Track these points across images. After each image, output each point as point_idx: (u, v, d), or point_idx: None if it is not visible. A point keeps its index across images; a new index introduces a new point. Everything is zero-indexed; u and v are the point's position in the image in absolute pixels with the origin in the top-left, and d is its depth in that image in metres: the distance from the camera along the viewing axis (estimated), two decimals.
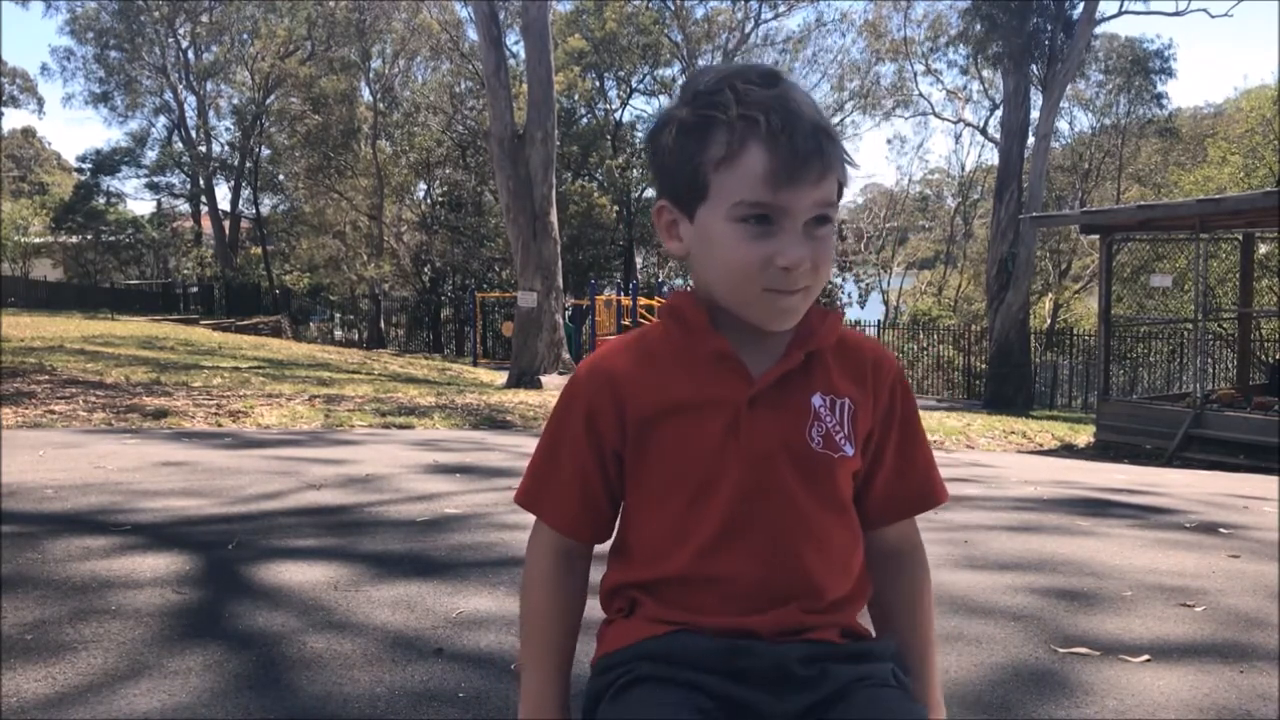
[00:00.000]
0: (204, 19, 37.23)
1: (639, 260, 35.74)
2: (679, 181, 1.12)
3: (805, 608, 1.12)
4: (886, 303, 37.30)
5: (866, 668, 1.12)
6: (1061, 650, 2.54)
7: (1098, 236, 12.85)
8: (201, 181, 39.01)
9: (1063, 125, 31.92)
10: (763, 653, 1.09)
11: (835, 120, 24.21)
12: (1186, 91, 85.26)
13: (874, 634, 1.23)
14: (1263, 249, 17.89)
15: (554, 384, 15.00)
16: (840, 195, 1.12)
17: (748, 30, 33.18)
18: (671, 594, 1.13)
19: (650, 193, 34.78)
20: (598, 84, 34.26)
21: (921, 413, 1.31)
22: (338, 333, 38.39)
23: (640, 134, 35.50)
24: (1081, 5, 20.39)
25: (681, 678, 1.08)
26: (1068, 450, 10.94)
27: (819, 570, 1.13)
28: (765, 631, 1.10)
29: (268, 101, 36.55)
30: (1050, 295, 32.02)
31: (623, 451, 1.16)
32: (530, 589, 1.20)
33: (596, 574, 1.24)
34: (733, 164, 1.07)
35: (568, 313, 21.49)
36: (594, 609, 1.23)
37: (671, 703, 1.05)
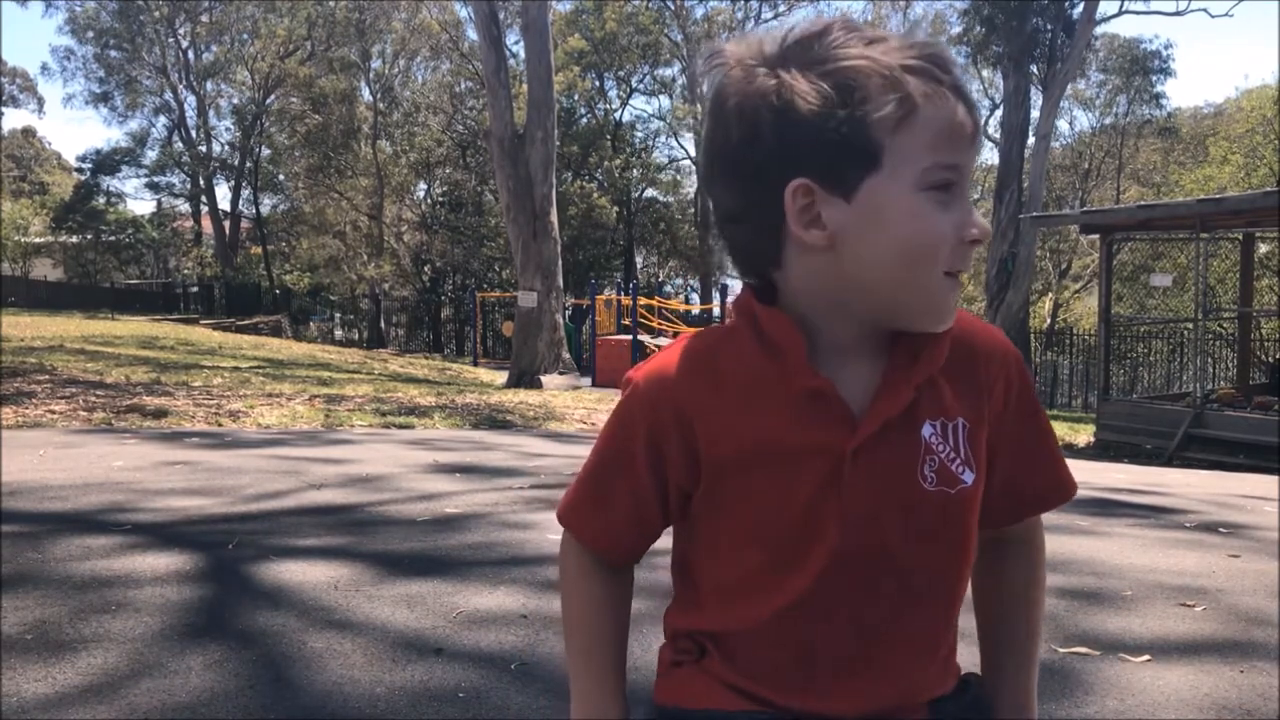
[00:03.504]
0: (204, 19, 37.22)
1: (639, 260, 35.74)
2: (835, 152, 0.91)
3: (899, 689, 0.99)
4: None
5: None
6: (1062, 650, 2.54)
7: (1098, 236, 12.85)
8: (201, 181, 38.99)
9: (1063, 125, 32.00)
10: None
11: None
12: (1186, 91, 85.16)
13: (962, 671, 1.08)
14: (1263, 249, 17.89)
15: (554, 384, 15.00)
16: None
17: (748, 30, 33.20)
18: (743, 651, 1.00)
19: (650, 192, 34.82)
20: (598, 84, 34.27)
21: None
22: (338, 333, 38.38)
23: (640, 134, 35.55)
24: (1081, 5, 20.40)
25: None
26: (1068, 450, 10.95)
27: (924, 634, 1.00)
28: (850, 714, 0.98)
29: (268, 101, 36.54)
30: (1050, 295, 32.03)
31: (690, 489, 1.01)
32: (572, 602, 1.09)
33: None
34: (916, 122, 0.90)
35: (568, 312, 21.49)
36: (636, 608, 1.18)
37: None
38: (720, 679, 1.00)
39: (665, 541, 1.08)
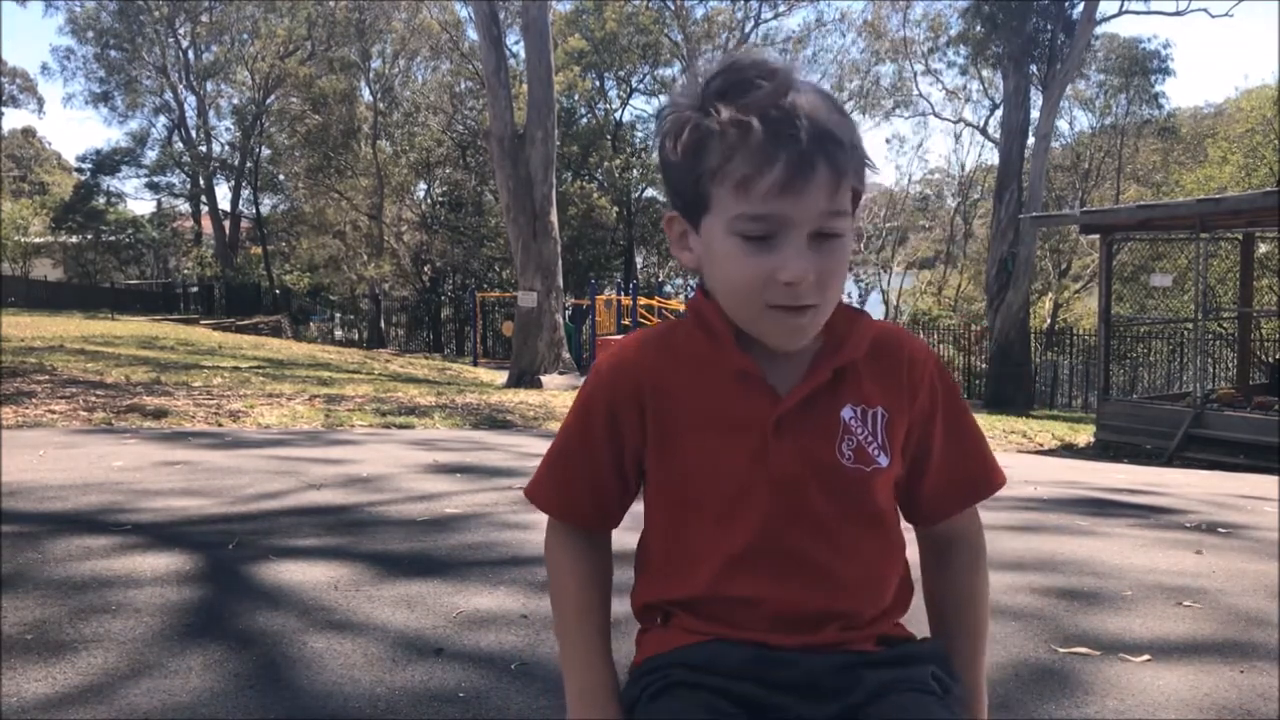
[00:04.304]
0: (204, 19, 37.19)
1: (639, 260, 35.71)
2: (683, 193, 1.07)
3: (841, 627, 1.11)
4: (886, 302, 37.30)
5: (902, 672, 1.10)
6: (1062, 650, 2.54)
7: (1098, 236, 12.85)
8: (201, 181, 38.95)
9: (1063, 125, 31.95)
10: (796, 662, 1.08)
11: None
12: (1186, 91, 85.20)
13: (917, 636, 1.20)
14: (1263, 248, 17.88)
15: (554, 384, 15.00)
16: (856, 204, 1.07)
17: (748, 30, 33.17)
18: (704, 611, 1.12)
19: (650, 192, 34.84)
20: (598, 84, 34.24)
21: None
22: (338, 333, 38.35)
23: (640, 134, 35.52)
24: (1081, 5, 20.39)
25: (712, 684, 1.07)
26: (1068, 450, 10.94)
27: (855, 593, 1.11)
28: (799, 647, 1.09)
29: (268, 101, 36.50)
30: (1050, 295, 32.00)
31: (644, 455, 1.14)
32: (554, 574, 1.20)
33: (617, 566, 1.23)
34: (727, 174, 1.01)
35: (568, 313, 21.49)
36: (621, 605, 1.22)
37: (700, 706, 1.06)
38: (685, 627, 1.13)
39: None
